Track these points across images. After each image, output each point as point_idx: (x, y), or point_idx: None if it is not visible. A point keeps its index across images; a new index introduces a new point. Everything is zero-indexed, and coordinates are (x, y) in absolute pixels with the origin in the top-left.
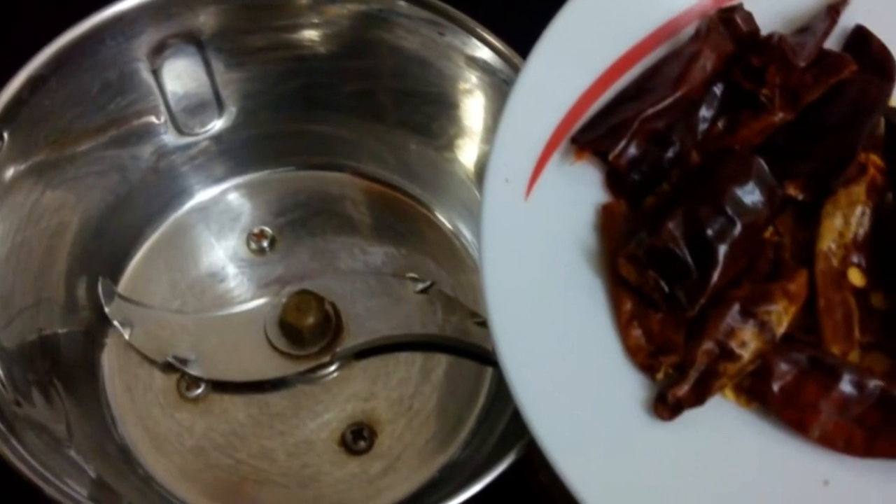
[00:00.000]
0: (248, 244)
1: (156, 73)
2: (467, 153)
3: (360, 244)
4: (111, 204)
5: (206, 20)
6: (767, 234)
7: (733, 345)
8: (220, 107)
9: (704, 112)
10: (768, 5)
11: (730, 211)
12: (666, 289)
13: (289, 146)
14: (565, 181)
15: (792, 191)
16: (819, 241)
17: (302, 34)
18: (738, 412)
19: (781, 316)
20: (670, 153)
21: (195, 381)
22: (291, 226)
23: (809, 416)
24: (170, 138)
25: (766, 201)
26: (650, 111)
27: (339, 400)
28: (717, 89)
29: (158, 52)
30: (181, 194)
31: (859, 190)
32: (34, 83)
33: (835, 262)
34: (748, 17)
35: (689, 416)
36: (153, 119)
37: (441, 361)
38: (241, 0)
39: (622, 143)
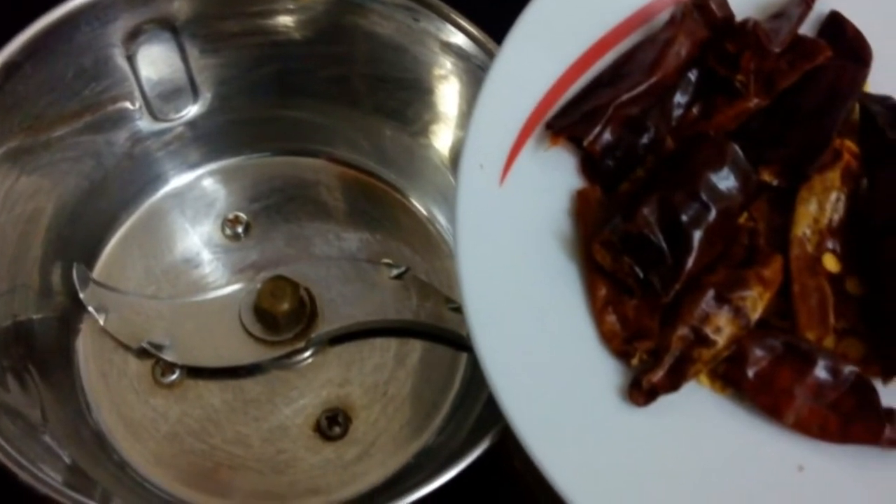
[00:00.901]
0: (222, 230)
1: (130, 59)
2: (442, 139)
3: (335, 230)
4: (86, 190)
5: (180, 6)
6: (742, 219)
7: (708, 330)
8: (194, 92)
9: (679, 98)
10: None
11: (704, 197)
12: (641, 275)
13: (263, 132)
14: (540, 167)
15: (767, 176)
16: (794, 227)
17: (277, 20)
18: (712, 398)
19: (756, 302)
20: (645, 139)
21: (170, 367)
22: (266, 211)
23: (784, 401)
24: (144, 124)
25: (740, 187)
26: (625, 97)
27: (313, 386)
28: (692, 75)
29: (133, 37)
30: (156, 180)
31: (834, 176)
32: (8, 69)
33: (809, 247)
34: (723, 2)
35: (664, 401)
36: (128, 105)
37: (416, 347)
38: None
39: (597, 129)
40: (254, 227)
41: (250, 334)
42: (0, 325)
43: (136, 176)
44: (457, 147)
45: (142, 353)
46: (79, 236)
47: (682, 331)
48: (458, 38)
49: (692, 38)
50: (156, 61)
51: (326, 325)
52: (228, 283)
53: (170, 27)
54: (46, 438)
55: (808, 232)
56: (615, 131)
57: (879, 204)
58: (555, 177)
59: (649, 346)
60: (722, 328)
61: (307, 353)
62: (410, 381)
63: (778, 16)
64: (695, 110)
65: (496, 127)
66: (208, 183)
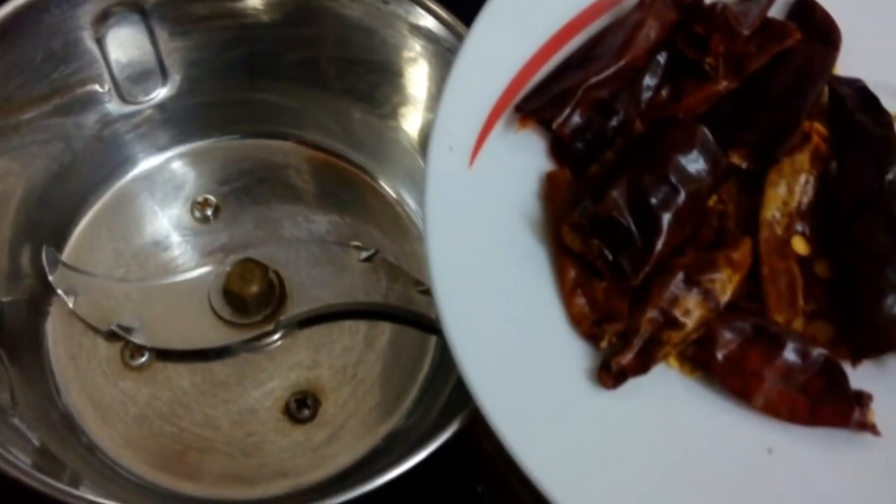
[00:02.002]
0: (192, 212)
1: (100, 42)
2: (411, 122)
3: (305, 212)
4: (55, 172)
5: None
6: (711, 202)
7: (677, 313)
8: (164, 75)
9: (648, 81)
10: None
11: (674, 179)
12: (610, 257)
13: (233, 114)
14: (509, 150)
15: (736, 159)
16: (763, 210)
17: (246, 2)
18: (682, 381)
19: (725, 284)
20: (614, 122)
21: (139, 350)
22: (235, 194)
23: (753, 384)
24: (114, 107)
25: (709, 170)
26: (594, 80)
27: (282, 368)
28: (661, 58)
29: (102, 20)
30: (125, 163)
31: (803, 158)
32: None
33: (779, 230)
34: None
35: (633, 384)
36: (97, 87)
37: (385, 330)
38: None
39: (566, 112)
40: (223, 209)
41: (219, 317)
42: None
43: (106, 159)
44: (426, 130)
45: (111, 336)
46: (48, 219)
47: (652, 313)
48: (428, 21)
49: (661, 21)
50: (125, 44)
51: (295, 308)
52: (197, 266)
53: (139, 10)
54: (15, 421)
55: (777, 214)
56: (584, 114)
57: (848, 186)
58: (524, 159)
59: (618, 328)
60: (691, 311)
61: (276, 336)
62: (380, 363)
63: None
64: (664, 93)
65: (465, 109)
66: (177, 165)
